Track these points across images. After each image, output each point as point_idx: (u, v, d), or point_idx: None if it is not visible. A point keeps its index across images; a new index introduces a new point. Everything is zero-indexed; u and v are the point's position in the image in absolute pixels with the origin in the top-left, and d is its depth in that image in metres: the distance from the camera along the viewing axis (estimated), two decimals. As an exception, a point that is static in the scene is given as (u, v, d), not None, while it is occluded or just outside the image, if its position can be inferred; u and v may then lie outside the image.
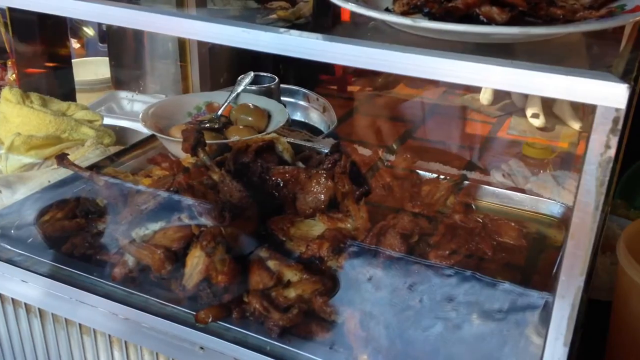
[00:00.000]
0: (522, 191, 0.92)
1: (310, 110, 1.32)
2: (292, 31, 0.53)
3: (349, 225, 0.77)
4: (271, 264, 0.68)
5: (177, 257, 0.66)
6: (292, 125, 1.30)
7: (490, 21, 0.51)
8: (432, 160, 1.09)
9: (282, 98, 1.29)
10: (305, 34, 0.52)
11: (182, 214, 0.70)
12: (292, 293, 0.65)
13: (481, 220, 0.86)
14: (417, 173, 0.95)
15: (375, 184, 0.88)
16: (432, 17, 0.53)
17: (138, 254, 0.67)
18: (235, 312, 0.64)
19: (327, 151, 0.98)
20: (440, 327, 0.73)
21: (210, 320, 0.63)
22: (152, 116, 1.04)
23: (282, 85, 1.28)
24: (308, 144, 1.05)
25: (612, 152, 0.47)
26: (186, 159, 0.89)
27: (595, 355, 0.85)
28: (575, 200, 0.48)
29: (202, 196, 0.73)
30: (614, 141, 0.46)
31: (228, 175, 0.78)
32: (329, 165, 0.88)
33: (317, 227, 0.77)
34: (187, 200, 0.71)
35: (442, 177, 0.93)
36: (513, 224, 0.86)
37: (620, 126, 0.46)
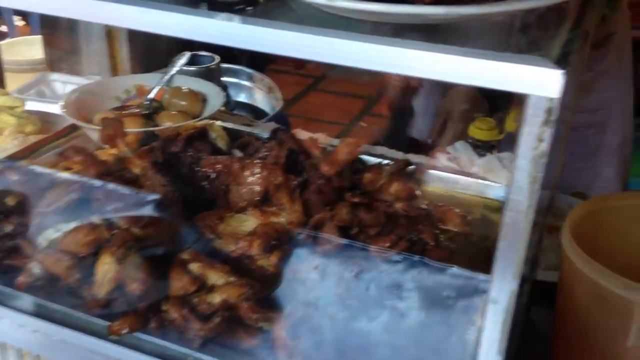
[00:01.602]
0: (469, 175, 0.89)
1: (255, 91, 1.25)
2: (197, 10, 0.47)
3: (282, 219, 0.72)
4: (194, 266, 0.62)
5: (88, 263, 0.60)
6: (235, 108, 1.24)
7: (416, 1, 0.46)
8: (385, 141, 1.05)
9: (224, 79, 1.22)
10: (209, 13, 0.46)
11: (95, 213, 0.64)
12: (216, 298, 0.60)
13: (424, 208, 0.83)
14: (361, 159, 0.90)
15: (314, 172, 0.83)
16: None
17: (43, 260, 0.60)
18: (154, 321, 0.58)
19: (267, 137, 0.92)
20: (381, 327, 0.70)
21: (125, 331, 0.58)
22: (76, 102, 0.96)
23: (225, 65, 1.20)
24: (247, 129, 0.98)
25: (545, 146, 0.42)
26: (107, 150, 0.82)
27: (543, 340, 0.83)
28: (507, 198, 0.44)
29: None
30: (548, 134, 0.42)
31: (151, 168, 0.72)
32: (265, 154, 0.83)
33: (249, 222, 0.72)
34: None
35: (385, 161, 0.88)
36: (457, 211, 0.83)
37: (554, 117, 0.42)
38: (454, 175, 0.89)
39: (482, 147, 0.94)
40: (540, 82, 0.40)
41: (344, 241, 0.73)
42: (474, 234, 0.83)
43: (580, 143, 1.21)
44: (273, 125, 1.02)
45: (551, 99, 0.41)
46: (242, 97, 1.25)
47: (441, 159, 0.91)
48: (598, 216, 0.81)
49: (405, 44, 0.39)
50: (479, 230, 0.85)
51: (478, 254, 0.79)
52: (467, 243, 0.82)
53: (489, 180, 0.88)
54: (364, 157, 0.93)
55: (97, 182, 0.68)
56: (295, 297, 0.71)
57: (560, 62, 0.41)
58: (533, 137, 0.42)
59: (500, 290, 0.46)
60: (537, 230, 0.90)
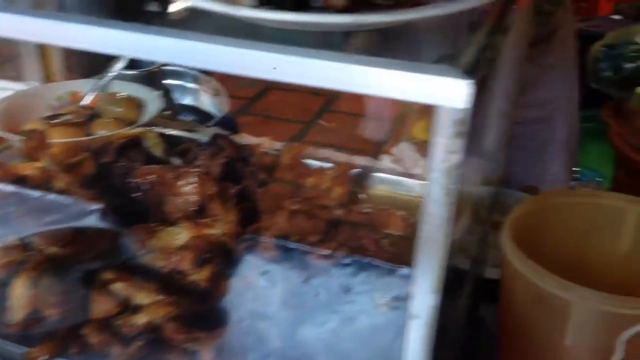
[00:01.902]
0: (412, 176, 0.88)
1: (201, 94, 1.22)
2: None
3: (216, 231, 0.70)
4: (118, 286, 0.59)
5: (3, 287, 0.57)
6: (180, 112, 1.20)
7: (329, 7, 0.44)
8: (337, 141, 1.03)
9: (168, 81, 1.19)
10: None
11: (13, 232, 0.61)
12: (141, 319, 0.57)
13: (367, 213, 0.81)
14: (305, 164, 0.88)
15: (253, 180, 0.80)
16: (263, 2, 0.45)
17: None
18: (74, 346, 0.56)
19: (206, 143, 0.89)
20: (321, 339, 0.69)
21: (44, 358, 0.55)
22: (6, 111, 0.92)
23: (168, 67, 1.17)
24: (189, 135, 0.95)
25: (458, 157, 0.41)
26: (31, 163, 0.78)
27: (492, 338, 0.83)
28: (423, 212, 0.43)
29: (41, 210, 0.64)
30: (460, 145, 0.41)
31: (75, 182, 0.69)
32: (203, 161, 0.80)
33: (182, 235, 0.69)
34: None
35: (328, 165, 0.86)
36: (399, 214, 0.82)
37: (465, 128, 0.40)
38: (398, 177, 0.88)
39: (427, 148, 0.93)
40: (448, 92, 0.39)
41: (280, 251, 0.71)
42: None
43: (528, 137, 1.22)
44: (215, 130, 0.99)
45: (461, 110, 0.40)
46: (187, 101, 1.22)
47: (385, 160, 0.89)
48: (539, 214, 0.82)
49: (299, 52, 0.37)
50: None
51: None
52: (410, 246, 0.81)
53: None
54: (309, 161, 0.91)
55: (17, 197, 0.64)
56: (231, 312, 0.69)
57: (471, 70, 0.40)
58: (445, 149, 0.41)
59: (421, 305, 0.44)
60: (482, 227, 0.90)
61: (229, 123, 1.08)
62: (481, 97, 0.40)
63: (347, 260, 0.76)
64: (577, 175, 1.67)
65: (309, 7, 0.43)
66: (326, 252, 0.71)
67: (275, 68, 0.37)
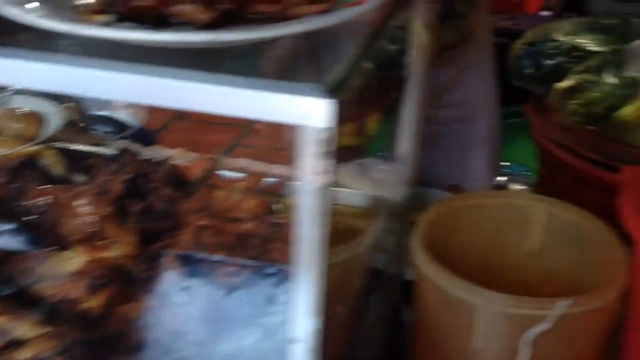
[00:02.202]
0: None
1: (117, 104, 1.17)
2: None
3: (113, 253, 0.66)
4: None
5: None
6: (94, 123, 1.15)
7: (193, 22, 0.41)
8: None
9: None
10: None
11: None
12: (25, 354, 0.54)
13: (279, 223, 0.80)
14: (218, 176, 0.86)
15: (158, 196, 0.77)
16: (123, 18, 0.42)
17: None
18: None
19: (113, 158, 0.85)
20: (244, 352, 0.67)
21: None
22: None
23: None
24: (96, 150, 0.91)
25: (327, 177, 0.40)
26: None
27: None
28: (296, 233, 0.42)
29: None
30: (328, 165, 0.40)
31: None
32: (106, 178, 0.77)
33: (75, 260, 0.66)
34: None
35: (240, 176, 0.84)
36: (315, 223, 0.81)
37: (332, 147, 0.39)
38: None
39: (345, 154, 0.93)
40: (309, 112, 0.38)
41: (197, 265, 0.69)
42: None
43: (451, 137, 1.23)
44: (128, 142, 0.95)
45: (325, 129, 0.38)
46: (102, 111, 1.17)
47: (302, 168, 0.88)
48: (451, 216, 0.82)
49: (146, 71, 0.35)
50: (342, 240, 0.83)
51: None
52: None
53: (350, 188, 0.86)
54: (223, 172, 0.89)
55: None
56: (144, 335, 0.66)
57: (335, 88, 0.39)
58: (312, 169, 0.39)
59: (301, 329, 0.43)
60: (400, 228, 0.90)
61: (144, 134, 1.04)
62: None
63: (270, 270, 0.74)
64: (507, 170, 1.71)
65: (170, 23, 0.41)
66: (230, 269, 0.68)
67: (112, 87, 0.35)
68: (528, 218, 0.82)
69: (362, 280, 0.74)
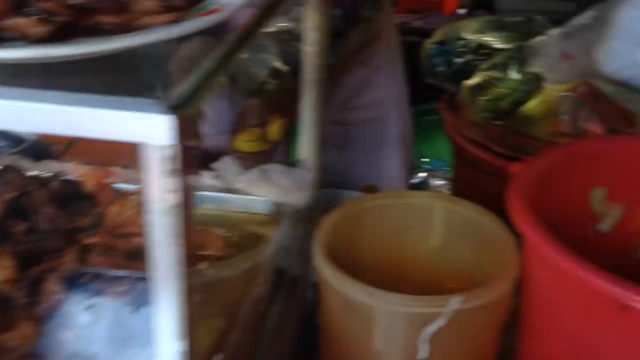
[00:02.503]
0: (233, 191, 0.86)
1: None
2: None
3: (-10, 280, 0.62)
4: None
5: None
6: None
7: (26, 37, 0.39)
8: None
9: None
10: None
11: None
12: None
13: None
14: (112, 189, 0.82)
15: (43, 215, 0.73)
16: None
17: None
18: None
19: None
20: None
21: None
22: None
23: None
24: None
25: (176, 197, 0.38)
26: None
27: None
28: (148, 256, 0.40)
29: None
30: (176, 183, 0.38)
31: None
32: (-14, 198, 0.72)
33: (-54, 290, 0.61)
34: None
35: (135, 188, 0.81)
36: (218, 233, 0.79)
37: (178, 164, 0.38)
38: (219, 194, 0.86)
39: (250, 160, 0.91)
40: (150, 129, 0.36)
41: (68, 290, 0.65)
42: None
43: (364, 138, 1.24)
44: (17, 158, 0.90)
45: (168, 147, 0.37)
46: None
47: (205, 177, 0.86)
48: (353, 218, 0.83)
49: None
50: (246, 248, 0.82)
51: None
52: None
53: (254, 195, 0.85)
54: (122, 185, 0.86)
55: None
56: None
57: (179, 104, 0.37)
58: (159, 188, 0.38)
59: (166, 353, 0.41)
60: (309, 233, 0.90)
61: (40, 147, 0.99)
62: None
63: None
64: (427, 166, 1.75)
65: (3, 38, 0.38)
66: (120, 288, 0.66)
67: None
68: (429, 216, 0.84)
69: (266, 286, 0.73)
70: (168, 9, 0.41)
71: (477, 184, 1.24)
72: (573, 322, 0.64)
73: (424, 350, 0.68)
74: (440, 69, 1.44)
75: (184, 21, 0.41)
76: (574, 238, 0.82)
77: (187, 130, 0.37)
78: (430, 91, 1.45)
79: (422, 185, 1.63)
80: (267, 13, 0.50)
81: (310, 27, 0.72)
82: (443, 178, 1.67)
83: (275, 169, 0.84)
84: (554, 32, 1.25)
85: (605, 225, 0.81)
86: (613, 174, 0.79)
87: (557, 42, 1.23)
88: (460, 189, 1.48)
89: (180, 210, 0.38)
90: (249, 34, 0.47)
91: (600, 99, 1.17)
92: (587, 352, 0.63)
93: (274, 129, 0.91)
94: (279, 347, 0.74)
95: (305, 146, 0.82)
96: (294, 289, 0.80)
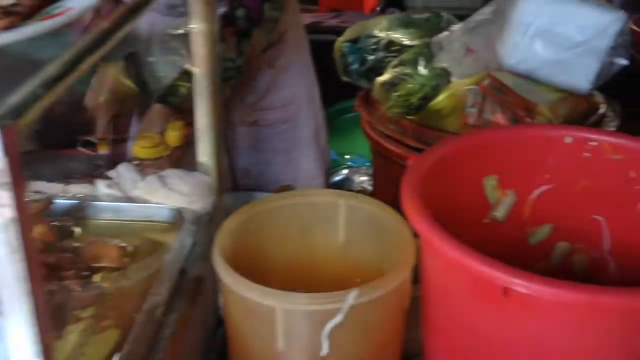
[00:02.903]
0: (130, 199, 0.83)
1: None
2: None
3: None
4: None
5: None
6: None
7: None
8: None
9: None
10: None
11: None
12: None
13: (74, 248, 0.75)
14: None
15: None
16: None
17: None
18: None
19: None
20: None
21: None
22: None
23: None
24: None
25: (9, 211, 0.36)
26: None
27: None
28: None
29: None
30: (8, 197, 0.36)
31: None
32: None
33: None
34: None
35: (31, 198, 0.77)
36: (114, 244, 0.77)
37: (9, 178, 0.36)
38: (115, 203, 0.83)
39: (151, 167, 0.89)
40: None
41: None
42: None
43: (278, 139, 1.24)
44: None
45: (-6, 160, 0.35)
46: None
47: (100, 186, 0.83)
48: (256, 220, 0.82)
49: None
50: (144, 258, 0.80)
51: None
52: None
53: (151, 202, 0.83)
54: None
55: None
56: None
57: (8, 115, 0.35)
58: (-11, 203, 0.36)
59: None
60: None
61: None
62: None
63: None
64: (349, 163, 1.77)
65: None
66: None
67: None
68: (333, 214, 0.84)
69: (165, 295, 0.71)
70: (6, 14, 0.39)
71: (394, 178, 1.26)
72: (464, 309, 0.66)
73: (325, 346, 0.69)
74: (354, 66, 1.46)
75: (22, 26, 0.39)
76: (473, 226, 0.85)
77: (17, 142, 0.35)
78: (350, 89, 1.46)
79: (345, 182, 1.64)
80: (118, 20, 0.48)
81: (197, 28, 0.71)
82: (365, 174, 1.70)
83: (173, 175, 0.82)
84: (457, 27, 1.29)
85: (499, 213, 0.84)
86: (503, 163, 0.82)
87: (460, 37, 1.27)
88: (379, 183, 1.51)
89: (16, 225, 0.36)
90: (96, 42, 0.44)
91: (503, 91, 1.22)
92: (478, 338, 0.66)
93: (174, 134, 0.89)
94: (182, 354, 0.72)
95: (203, 150, 0.80)
96: (197, 295, 0.79)
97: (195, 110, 0.78)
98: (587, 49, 1.19)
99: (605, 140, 0.77)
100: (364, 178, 1.67)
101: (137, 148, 0.92)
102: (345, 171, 1.69)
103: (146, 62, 1.08)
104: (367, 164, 1.74)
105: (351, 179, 1.66)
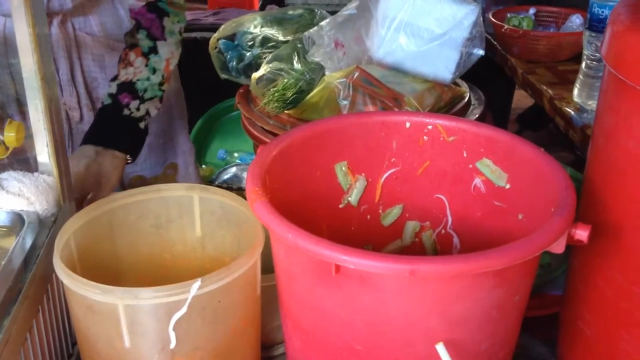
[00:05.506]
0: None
1: None
2: None
3: None
4: None
5: None
6: None
7: None
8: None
9: None
10: None
11: None
12: None
13: None
14: None
15: None
16: None
17: None
18: None
19: None
20: None
21: None
22: None
23: None
24: None
25: None
26: None
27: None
28: None
29: None
30: None
31: None
32: None
33: None
34: None
35: None
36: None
37: None
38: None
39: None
40: None
41: None
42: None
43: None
44: None
45: None
46: None
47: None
48: (105, 218, 0.80)
49: None
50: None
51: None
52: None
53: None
54: None
55: None
56: None
57: None
58: None
59: None
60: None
61: None
62: None
63: None
64: (238, 160, 1.77)
65: None
66: None
67: None
68: (188, 208, 0.84)
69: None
70: None
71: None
72: (308, 290, 0.68)
73: (172, 339, 0.68)
74: (232, 63, 1.46)
75: None
76: (330, 211, 0.87)
77: None
78: (235, 86, 1.46)
79: (234, 180, 1.64)
80: None
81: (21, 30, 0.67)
82: (254, 171, 1.70)
83: (10, 177, 0.78)
84: (326, 22, 1.33)
85: (352, 198, 0.87)
86: (352, 149, 0.85)
87: (329, 32, 1.31)
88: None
89: None
90: None
91: (372, 83, 1.27)
92: (323, 317, 0.67)
93: (11, 135, 0.84)
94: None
95: (41, 150, 0.77)
96: (42, 300, 0.75)
97: (29, 110, 0.75)
98: (446, 41, 1.27)
99: (439, 124, 0.82)
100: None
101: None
102: (233, 169, 1.69)
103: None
104: (255, 161, 1.75)
105: (240, 177, 1.65)
